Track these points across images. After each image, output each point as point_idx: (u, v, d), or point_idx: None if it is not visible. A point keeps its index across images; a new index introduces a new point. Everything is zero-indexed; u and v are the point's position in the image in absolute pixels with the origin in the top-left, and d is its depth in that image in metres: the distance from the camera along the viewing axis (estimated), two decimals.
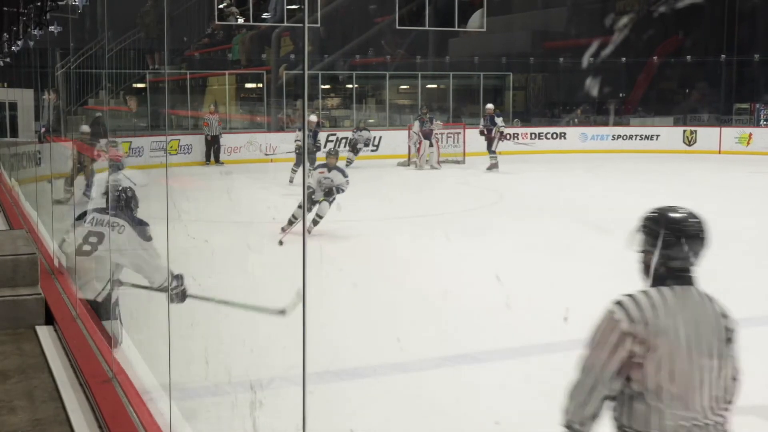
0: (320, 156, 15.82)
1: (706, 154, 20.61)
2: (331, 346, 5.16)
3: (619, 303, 2.45)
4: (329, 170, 9.87)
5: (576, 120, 23.41)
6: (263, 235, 9.19)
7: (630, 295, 2.40)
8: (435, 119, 18.40)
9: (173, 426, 3.27)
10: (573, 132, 22.18)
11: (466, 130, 19.03)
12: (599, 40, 23.18)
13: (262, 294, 6.37)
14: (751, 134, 20.99)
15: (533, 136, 21.78)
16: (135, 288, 4.40)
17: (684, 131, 21.76)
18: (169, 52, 20.89)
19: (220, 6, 20.08)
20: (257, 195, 13.62)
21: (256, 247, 8.33)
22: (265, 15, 21.41)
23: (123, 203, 4.48)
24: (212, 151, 18.52)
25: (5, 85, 15.93)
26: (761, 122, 21.88)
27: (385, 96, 22.74)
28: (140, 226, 4.36)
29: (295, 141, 15.58)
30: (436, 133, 17.93)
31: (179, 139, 18.66)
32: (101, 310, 4.46)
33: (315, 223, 9.50)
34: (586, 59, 22.82)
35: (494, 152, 17.26)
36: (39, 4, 8.05)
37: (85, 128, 9.69)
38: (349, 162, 16.74)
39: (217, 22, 21.10)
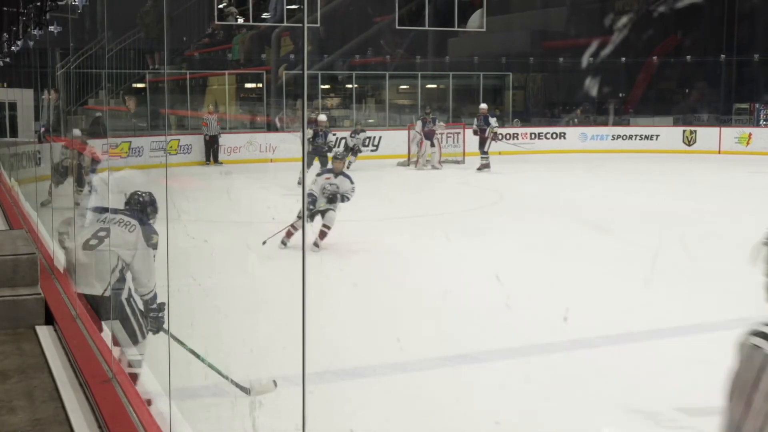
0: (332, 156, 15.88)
1: (706, 154, 20.61)
2: (331, 346, 5.16)
3: (761, 334, 1.66)
4: (335, 175, 9.14)
5: (576, 120, 23.40)
6: (263, 234, 9.19)
7: None
8: (438, 120, 18.38)
9: (173, 426, 3.27)
10: (573, 132, 22.18)
11: (466, 130, 19.03)
12: (599, 40, 23.20)
13: (261, 294, 6.38)
14: (750, 134, 20.99)
15: (533, 136, 21.79)
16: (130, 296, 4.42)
17: (684, 131, 21.76)
18: (169, 52, 20.88)
19: (220, 6, 20.08)
20: (257, 195, 13.62)
21: (256, 247, 8.33)
22: (264, 15, 21.41)
23: (139, 207, 4.54)
24: (212, 151, 18.52)
25: (5, 85, 15.93)
26: (761, 122, 21.88)
27: (385, 96, 22.74)
28: (149, 231, 4.40)
29: (309, 140, 15.24)
30: (438, 134, 17.94)
31: (179, 139, 18.66)
32: (103, 307, 4.48)
33: (323, 235, 8.74)
34: (585, 59, 22.82)
35: (486, 152, 17.28)
36: (39, 4, 8.04)
37: (77, 132, 9.67)
38: (348, 164, 16.76)
39: (217, 22, 21.09)
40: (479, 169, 17.05)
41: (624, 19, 24.21)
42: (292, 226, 8.56)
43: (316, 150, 14.46)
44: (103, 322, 4.46)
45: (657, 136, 21.78)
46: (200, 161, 18.40)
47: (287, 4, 20.18)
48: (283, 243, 8.54)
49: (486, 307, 6.46)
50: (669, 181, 15.84)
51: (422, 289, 7.16)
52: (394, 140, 19.86)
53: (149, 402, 3.69)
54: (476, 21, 20.52)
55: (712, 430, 4.53)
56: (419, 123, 17.88)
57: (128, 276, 4.37)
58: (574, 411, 4.50)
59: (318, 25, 20.27)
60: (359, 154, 17.59)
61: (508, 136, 20.72)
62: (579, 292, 6.92)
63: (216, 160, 18.47)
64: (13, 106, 14.90)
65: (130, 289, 4.40)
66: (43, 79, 11.21)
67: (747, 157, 20.04)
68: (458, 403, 4.62)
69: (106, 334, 4.33)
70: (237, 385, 4.35)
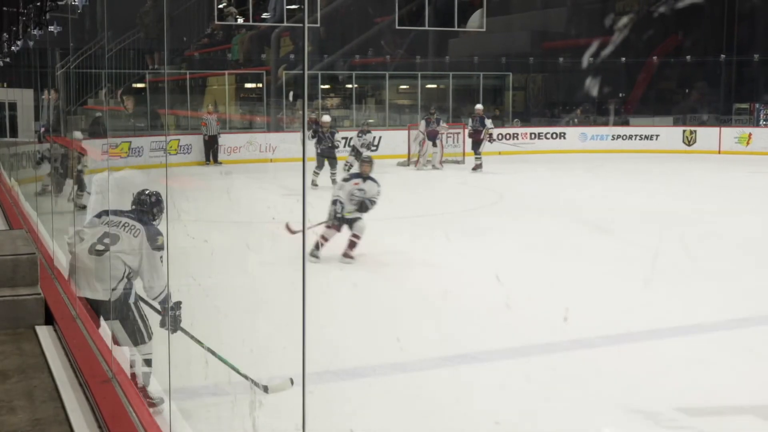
0: (342, 155, 15.73)
1: (706, 154, 20.61)
2: (331, 346, 5.16)
3: None
4: (364, 180, 8.54)
5: (576, 120, 23.41)
6: (263, 234, 9.18)
7: None
8: (442, 121, 18.36)
9: (173, 426, 3.27)
10: (573, 132, 22.18)
11: (466, 130, 19.03)
12: (599, 40, 23.21)
13: (261, 294, 6.38)
14: (750, 134, 20.99)
15: (533, 136, 21.80)
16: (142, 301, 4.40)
17: (684, 131, 21.77)
18: (168, 52, 20.89)
19: (220, 6, 20.08)
20: (257, 195, 13.62)
21: (256, 247, 8.33)
22: (264, 15, 21.42)
23: (146, 207, 4.51)
24: (211, 151, 18.51)
25: (5, 85, 15.93)
26: (761, 122, 21.89)
27: (385, 96, 22.74)
28: (154, 233, 4.37)
29: (314, 142, 14.60)
30: (442, 134, 17.93)
31: (179, 139, 18.66)
32: (109, 309, 4.47)
33: (353, 245, 8.15)
34: (585, 59, 22.83)
35: (480, 153, 17.28)
36: (39, 4, 8.04)
37: (78, 134, 9.66)
38: (350, 166, 16.64)
39: (216, 22, 21.09)
40: (474, 169, 17.09)
41: (624, 20, 24.21)
42: (322, 236, 8.04)
43: (324, 152, 14.26)
44: (104, 323, 4.46)
45: (657, 136, 21.78)
46: (200, 161, 18.40)
47: (287, 4, 20.19)
48: (315, 256, 7.90)
49: (486, 307, 6.46)
50: (669, 181, 15.84)
51: (422, 289, 7.16)
52: (394, 140, 19.85)
53: (152, 403, 3.70)
54: (476, 21, 20.52)
55: (712, 430, 4.53)
56: (423, 123, 17.87)
57: (136, 281, 4.34)
58: (574, 411, 4.50)
59: (318, 25, 20.28)
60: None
61: (507, 136, 20.73)
62: (579, 292, 6.92)
63: (216, 160, 18.46)
64: (13, 106, 14.91)
65: (137, 293, 4.37)
66: (43, 79, 11.21)
67: (747, 157, 20.05)
68: (458, 403, 4.62)
69: (106, 334, 4.33)
70: (255, 383, 4.34)
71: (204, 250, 7.45)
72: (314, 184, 13.73)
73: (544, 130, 22.28)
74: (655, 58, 23.90)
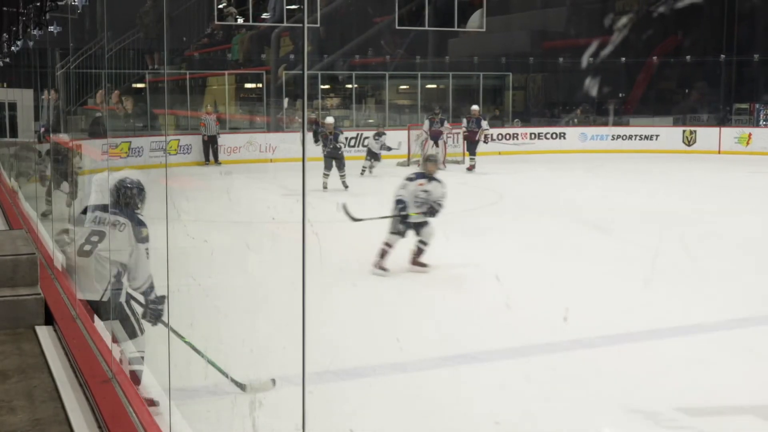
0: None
1: (706, 154, 20.62)
2: (331, 346, 5.16)
3: None
4: (428, 180, 7.97)
5: (576, 120, 23.41)
6: (263, 234, 9.18)
7: None
8: (446, 121, 18.31)
9: (173, 426, 3.27)
10: (573, 132, 22.18)
11: (462, 130, 19.01)
12: (599, 40, 23.21)
13: (261, 294, 6.38)
14: (750, 134, 21.00)
15: (533, 136, 21.80)
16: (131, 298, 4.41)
17: (683, 131, 21.77)
18: (168, 52, 20.88)
19: (220, 6, 20.08)
20: (257, 195, 13.62)
21: (256, 247, 8.33)
22: (264, 15, 21.41)
23: (125, 200, 4.48)
24: (211, 151, 18.51)
25: (5, 85, 15.94)
26: (761, 122, 21.89)
27: (385, 96, 22.74)
28: (138, 226, 4.37)
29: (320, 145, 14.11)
30: (446, 135, 17.90)
31: (179, 139, 18.66)
32: (103, 310, 4.47)
33: (420, 253, 7.66)
34: (585, 59, 22.83)
35: (475, 154, 17.23)
36: (39, 4, 8.04)
37: (64, 137, 9.67)
38: (366, 169, 16.25)
39: (216, 22, 21.09)
40: (468, 169, 17.08)
41: (624, 20, 24.21)
42: (386, 244, 7.58)
43: (330, 154, 13.89)
44: (102, 323, 4.47)
45: (657, 136, 21.79)
46: (200, 161, 18.40)
47: (287, 4, 20.19)
48: (383, 269, 7.50)
49: (486, 307, 6.46)
50: (669, 181, 15.84)
51: (422, 289, 7.16)
52: (395, 140, 19.84)
53: (151, 402, 3.70)
54: (476, 21, 20.52)
55: (712, 430, 4.53)
56: (427, 122, 17.82)
57: (124, 276, 4.36)
58: (574, 411, 4.50)
59: (318, 25, 20.27)
60: (382, 157, 16.91)
61: (505, 136, 20.72)
62: (579, 292, 6.92)
63: (216, 161, 18.46)
64: (13, 106, 14.91)
65: (127, 291, 4.39)
66: (43, 79, 11.21)
67: (747, 157, 20.05)
68: (458, 403, 4.62)
69: (105, 334, 4.33)
70: (235, 382, 4.35)
71: (204, 250, 7.44)
72: (325, 187, 13.69)
73: (544, 130, 22.28)
74: (654, 58, 23.90)
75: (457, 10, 20.31)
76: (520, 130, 22.04)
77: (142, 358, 4.32)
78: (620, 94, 24.82)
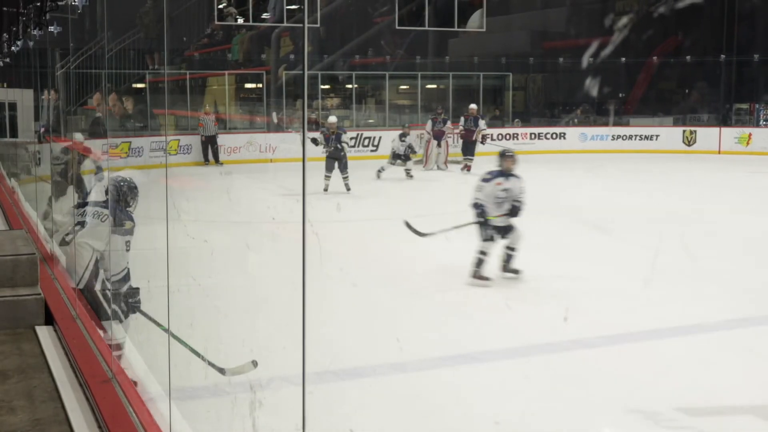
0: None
1: (706, 154, 20.62)
2: (331, 346, 5.16)
3: None
4: (506, 178, 7.51)
5: (576, 120, 23.40)
6: (263, 234, 9.18)
7: None
8: (448, 121, 18.26)
9: (173, 426, 3.27)
10: (573, 132, 22.17)
11: (458, 130, 18.98)
12: (599, 40, 23.21)
13: (261, 294, 6.38)
14: (750, 134, 21.00)
15: (533, 136, 21.79)
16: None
17: (684, 131, 21.77)
18: (168, 52, 20.88)
19: (220, 6, 20.08)
20: (257, 195, 13.62)
21: (256, 247, 8.33)
22: (264, 15, 21.41)
23: (119, 195, 4.61)
24: (211, 151, 18.51)
25: (5, 85, 15.94)
26: (761, 122, 21.89)
27: (385, 96, 22.74)
28: (122, 218, 4.49)
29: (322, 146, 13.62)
30: (448, 135, 17.84)
31: (179, 140, 18.67)
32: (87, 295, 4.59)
33: (509, 258, 7.25)
34: (585, 59, 22.83)
35: (473, 154, 17.08)
36: (39, 4, 8.05)
37: (79, 136, 9.66)
38: (407, 172, 15.64)
39: (216, 23, 21.09)
40: (463, 169, 16.88)
41: (624, 20, 24.21)
42: (481, 252, 7.19)
43: (332, 154, 13.46)
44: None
45: (657, 136, 21.79)
46: (200, 161, 18.41)
47: (287, 5, 20.19)
48: (482, 277, 7.09)
49: (486, 307, 6.46)
50: (669, 181, 15.84)
51: (422, 289, 7.15)
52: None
53: (136, 384, 3.73)
54: (476, 21, 20.52)
55: (712, 430, 4.53)
56: (429, 123, 17.77)
57: (101, 265, 4.48)
58: (574, 411, 4.50)
59: (318, 25, 20.27)
60: (412, 157, 16.22)
61: (499, 137, 20.69)
62: (579, 292, 6.92)
63: (217, 161, 18.46)
64: (13, 107, 14.92)
65: (104, 279, 4.49)
66: (43, 80, 11.21)
67: (747, 157, 20.05)
68: (458, 403, 4.62)
69: (106, 334, 4.33)
70: (212, 365, 4.36)
71: (204, 250, 7.45)
72: (326, 189, 13.26)
73: (544, 130, 22.28)
74: (655, 58, 23.90)
75: (457, 10, 20.31)
76: (520, 130, 22.03)
77: (122, 345, 4.40)
78: (620, 95, 24.82)
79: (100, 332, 4.46)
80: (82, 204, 4.90)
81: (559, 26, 25.86)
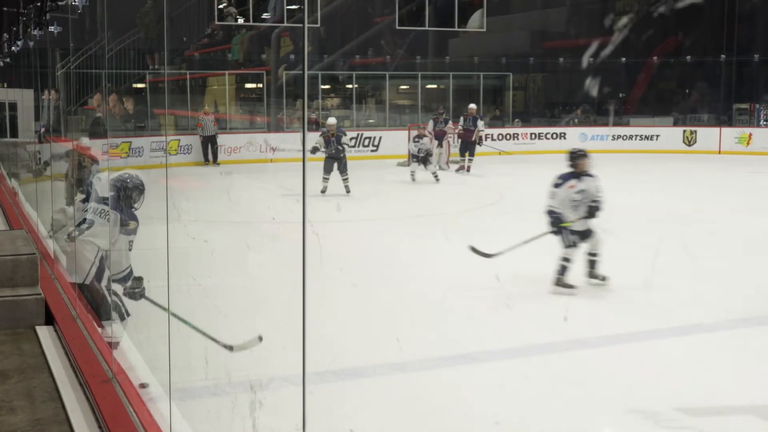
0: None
1: (706, 154, 20.62)
2: (331, 346, 5.16)
3: None
4: (579, 178, 7.15)
5: (576, 120, 23.41)
6: (263, 234, 9.18)
7: None
8: (450, 121, 18.22)
9: (173, 426, 3.27)
10: (573, 132, 22.17)
11: (456, 130, 18.96)
12: (599, 40, 23.21)
13: (261, 294, 6.38)
14: (750, 134, 21.00)
15: (533, 136, 21.79)
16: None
17: (684, 131, 21.77)
18: (168, 53, 20.89)
19: (220, 6, 20.08)
20: (257, 195, 13.62)
21: (256, 247, 8.33)
22: (264, 15, 21.41)
23: (122, 194, 4.64)
24: (210, 151, 18.51)
25: (5, 85, 15.94)
26: (761, 122, 21.89)
27: (385, 96, 22.74)
28: (127, 218, 4.54)
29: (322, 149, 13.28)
30: (450, 135, 17.81)
31: (179, 140, 18.67)
32: (85, 293, 4.62)
33: (593, 264, 6.99)
34: (585, 59, 22.83)
35: (473, 155, 17.02)
36: (39, 4, 8.05)
37: (86, 141, 9.67)
38: (435, 176, 15.25)
39: (216, 23, 21.09)
40: (458, 170, 16.83)
41: (624, 20, 24.21)
42: (564, 259, 6.91)
43: (332, 156, 13.17)
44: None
45: (657, 136, 21.79)
46: (200, 162, 18.41)
47: (287, 5, 20.19)
48: (567, 285, 6.87)
49: (486, 307, 6.46)
50: (669, 181, 15.84)
51: (422, 289, 7.16)
52: (395, 140, 19.85)
53: (145, 386, 3.73)
54: (476, 21, 20.51)
55: (712, 430, 4.52)
56: (431, 123, 17.74)
57: (106, 263, 4.52)
58: (574, 411, 4.50)
59: (318, 25, 20.27)
60: (432, 158, 15.70)
61: (506, 137, 20.70)
62: (579, 292, 6.92)
63: (215, 161, 18.47)
64: (13, 107, 14.92)
65: (109, 277, 4.54)
66: (43, 80, 11.22)
67: (747, 157, 20.05)
68: (458, 403, 4.62)
69: (106, 334, 4.34)
70: (220, 344, 4.41)
71: (204, 250, 7.45)
72: (323, 191, 12.97)
73: (544, 130, 22.28)
74: (655, 58, 23.91)
75: (457, 10, 20.31)
76: (520, 130, 22.04)
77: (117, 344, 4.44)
78: (620, 95, 24.82)
79: (99, 330, 4.48)
80: (86, 200, 4.95)
81: (559, 26, 25.86)
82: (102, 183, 4.81)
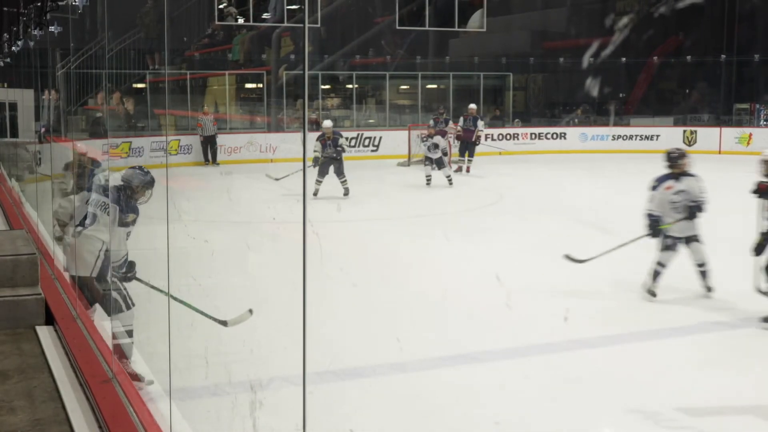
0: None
1: (706, 154, 20.61)
2: (331, 346, 5.16)
3: None
4: (677, 179, 6.93)
5: (576, 120, 23.41)
6: (263, 234, 9.18)
7: None
8: (450, 121, 18.19)
9: (173, 426, 3.27)
10: (573, 132, 22.18)
11: (456, 130, 18.93)
12: (599, 40, 23.20)
13: (261, 294, 6.38)
14: (751, 134, 20.99)
15: (533, 136, 21.79)
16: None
17: (684, 131, 21.77)
18: (169, 53, 20.89)
19: (220, 6, 20.08)
20: (257, 195, 13.62)
21: (256, 247, 8.33)
22: (265, 15, 21.42)
23: (123, 193, 4.77)
24: (210, 151, 18.52)
25: (5, 85, 15.95)
26: (761, 122, 21.89)
27: (385, 96, 22.74)
28: (126, 211, 4.63)
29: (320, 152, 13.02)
30: (450, 135, 17.78)
31: (179, 140, 18.68)
32: (88, 287, 4.78)
33: (703, 275, 6.80)
34: (586, 59, 22.83)
35: (473, 155, 16.97)
36: (39, 4, 8.05)
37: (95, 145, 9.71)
38: (449, 179, 14.83)
39: (216, 23, 21.09)
40: (458, 171, 16.79)
41: (624, 20, 24.22)
42: (658, 263, 6.76)
43: (329, 158, 12.95)
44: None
45: (657, 136, 21.78)
46: (200, 162, 18.41)
47: (287, 5, 20.19)
48: (651, 292, 6.70)
49: (486, 307, 6.46)
50: None
51: (422, 289, 7.16)
52: (395, 140, 19.85)
53: (136, 377, 3.74)
54: (476, 21, 20.51)
55: (712, 430, 4.53)
56: (432, 123, 17.76)
57: (108, 254, 4.64)
58: (574, 411, 4.50)
59: (318, 25, 20.27)
60: (446, 157, 15.36)
61: (506, 137, 20.68)
62: (579, 292, 6.92)
63: (214, 161, 18.47)
64: (13, 107, 14.92)
65: (112, 269, 4.66)
66: (44, 80, 11.22)
67: (747, 157, 20.04)
68: (458, 403, 4.62)
69: (106, 334, 4.34)
70: (213, 319, 4.56)
71: (204, 250, 7.45)
72: (315, 194, 12.60)
73: (544, 130, 22.28)
74: (655, 58, 23.90)
75: (457, 10, 20.30)
76: (520, 130, 22.03)
77: (130, 333, 4.54)
78: (621, 95, 24.82)
79: (99, 322, 4.53)
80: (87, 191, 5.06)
81: (560, 26, 25.86)
82: (103, 175, 4.90)
